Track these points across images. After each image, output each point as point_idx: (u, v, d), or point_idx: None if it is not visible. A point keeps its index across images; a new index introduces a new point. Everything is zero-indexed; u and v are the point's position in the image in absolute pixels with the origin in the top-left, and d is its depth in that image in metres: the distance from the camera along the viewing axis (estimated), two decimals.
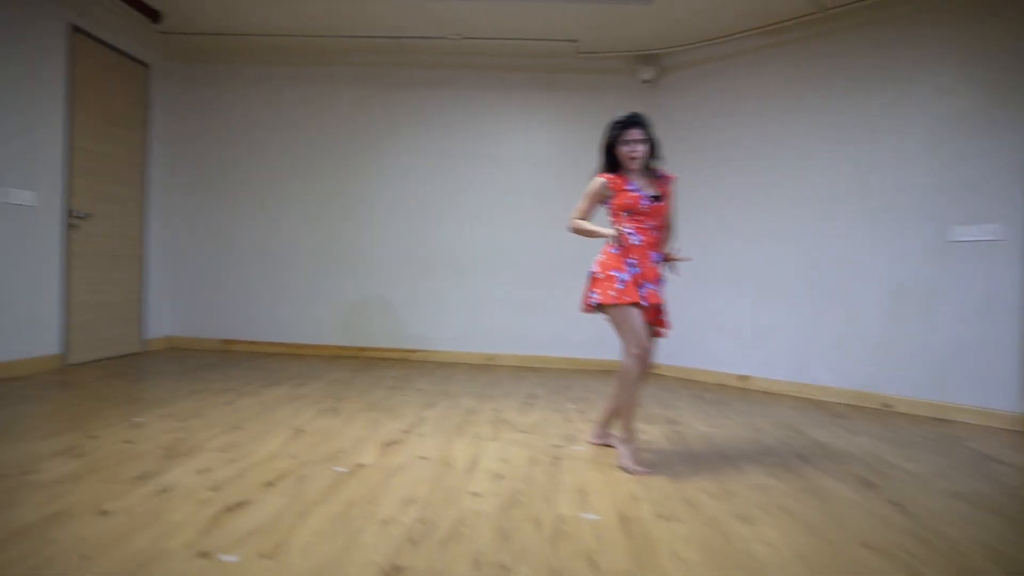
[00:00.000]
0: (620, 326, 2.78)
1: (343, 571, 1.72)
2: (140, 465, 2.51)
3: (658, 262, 2.86)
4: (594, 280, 2.85)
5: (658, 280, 2.84)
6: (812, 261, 4.70)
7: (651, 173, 2.90)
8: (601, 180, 2.90)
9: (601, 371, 5.51)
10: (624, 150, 2.83)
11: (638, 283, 2.78)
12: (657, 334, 2.90)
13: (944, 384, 4.10)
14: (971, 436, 3.61)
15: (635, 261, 2.80)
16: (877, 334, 4.38)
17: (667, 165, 5.00)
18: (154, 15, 4.93)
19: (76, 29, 4.72)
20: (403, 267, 5.83)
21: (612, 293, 2.76)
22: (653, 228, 2.84)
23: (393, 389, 4.34)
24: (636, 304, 2.75)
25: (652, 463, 2.81)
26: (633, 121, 2.83)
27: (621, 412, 2.83)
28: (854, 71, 4.51)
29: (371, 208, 5.86)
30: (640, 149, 2.81)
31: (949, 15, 4.13)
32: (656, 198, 2.82)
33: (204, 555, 1.78)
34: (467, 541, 1.95)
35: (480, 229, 5.78)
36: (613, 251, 2.83)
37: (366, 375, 4.87)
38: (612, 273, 2.79)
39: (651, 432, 3.41)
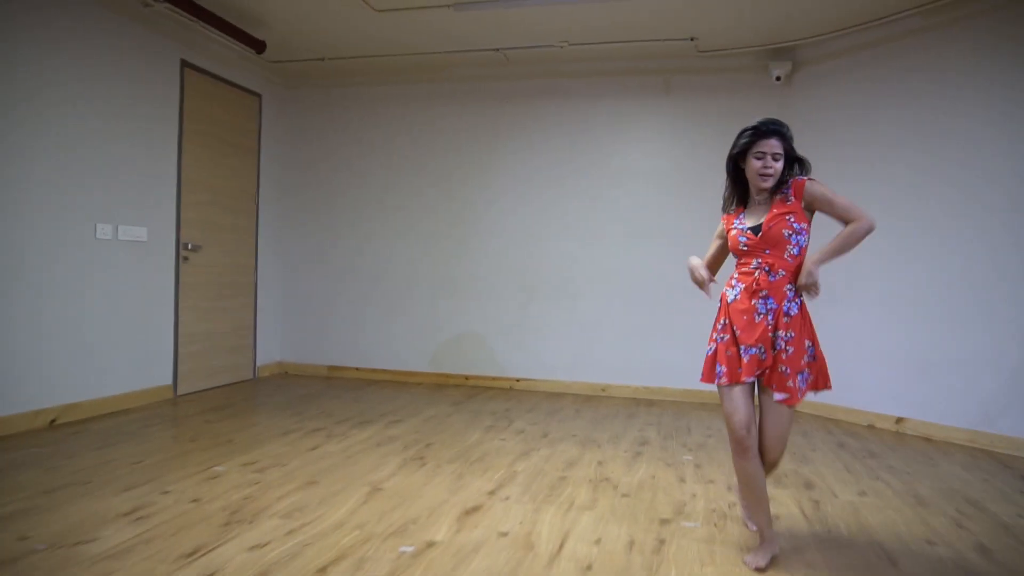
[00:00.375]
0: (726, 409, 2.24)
1: None
2: (197, 536, 2.31)
3: (776, 308, 2.18)
4: (717, 350, 2.31)
5: (773, 337, 2.16)
6: (991, 278, 3.88)
7: (778, 192, 2.24)
8: (721, 225, 2.44)
9: (705, 406, 4.90)
10: (756, 165, 2.19)
11: (729, 350, 2.22)
12: (787, 402, 2.15)
13: None
14: None
15: (727, 322, 2.25)
16: (976, 355, 3.52)
17: (827, 178, 4.34)
18: (260, 46, 4.93)
19: (186, 64, 4.80)
20: (510, 291, 5.51)
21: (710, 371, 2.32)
22: (762, 268, 2.20)
23: (490, 429, 4.02)
24: (732, 380, 2.19)
25: (776, 557, 2.27)
26: (770, 128, 2.18)
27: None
28: None
29: (477, 230, 5.60)
30: (775, 166, 2.18)
31: None
32: (755, 229, 2.21)
33: None
34: None
35: (592, 249, 5.35)
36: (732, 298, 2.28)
37: (466, 410, 4.58)
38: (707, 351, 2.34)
39: (781, 500, 2.84)
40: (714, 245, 2.49)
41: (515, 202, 5.51)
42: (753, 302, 2.19)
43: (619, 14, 4.41)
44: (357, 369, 5.82)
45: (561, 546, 2.31)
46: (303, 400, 4.76)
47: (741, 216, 2.31)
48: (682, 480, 3.11)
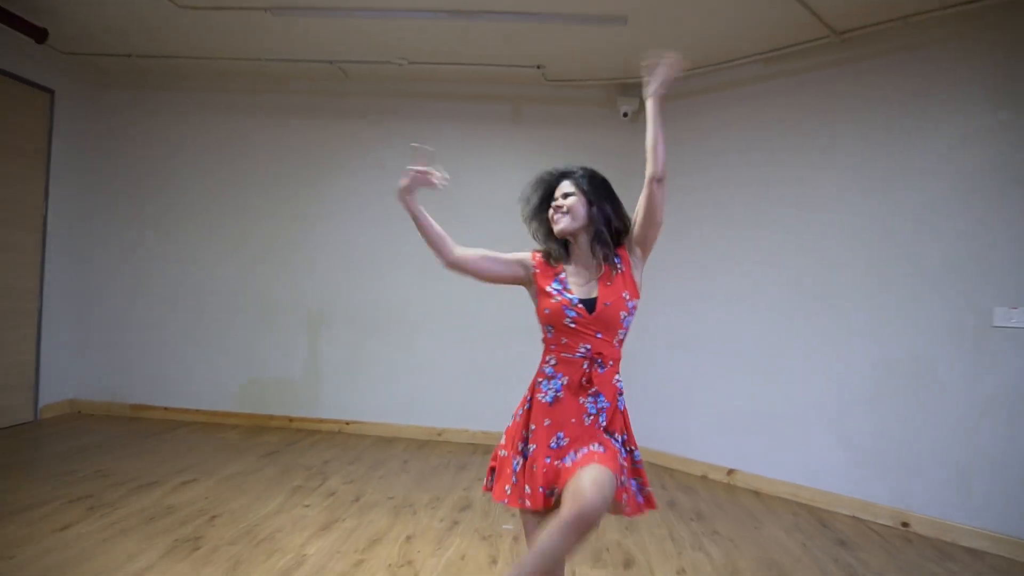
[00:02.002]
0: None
1: None
2: None
3: (608, 407, 1.81)
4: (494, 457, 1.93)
5: (599, 437, 1.78)
6: (818, 336, 3.89)
7: (604, 256, 1.86)
8: (529, 255, 1.99)
9: None
10: (549, 214, 1.93)
11: (537, 461, 1.78)
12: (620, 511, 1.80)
13: (977, 505, 3.28)
14: None
15: (548, 422, 1.81)
16: (897, 432, 3.56)
17: (671, 217, 4.15)
18: (40, 34, 4.21)
19: None
20: (342, 324, 5.05)
21: (506, 490, 1.82)
22: (591, 359, 1.80)
23: (297, 491, 3.55)
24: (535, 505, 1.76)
25: None
26: (556, 175, 1.96)
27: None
28: (871, 109, 3.73)
29: (306, 257, 5.10)
30: (566, 203, 1.88)
31: (977, 47, 3.35)
32: (589, 304, 1.80)
33: None
34: None
35: (432, 282, 4.99)
36: (516, 416, 1.92)
37: (278, 463, 4.08)
38: (500, 454, 1.91)
39: None
40: (491, 256, 2.07)
41: (352, 229, 5.07)
42: (581, 401, 1.79)
43: (461, 34, 4.11)
44: (165, 409, 5.13)
45: None
46: (83, 452, 4.07)
47: (563, 276, 1.89)
48: (493, 562, 2.80)
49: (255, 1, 3.71)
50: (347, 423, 5.01)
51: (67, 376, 5.10)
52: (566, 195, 1.88)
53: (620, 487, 1.72)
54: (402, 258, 5.00)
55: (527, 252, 1.99)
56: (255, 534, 2.95)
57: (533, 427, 1.82)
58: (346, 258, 5.07)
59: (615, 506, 1.72)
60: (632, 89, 4.77)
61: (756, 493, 4.00)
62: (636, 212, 1.90)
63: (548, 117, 4.99)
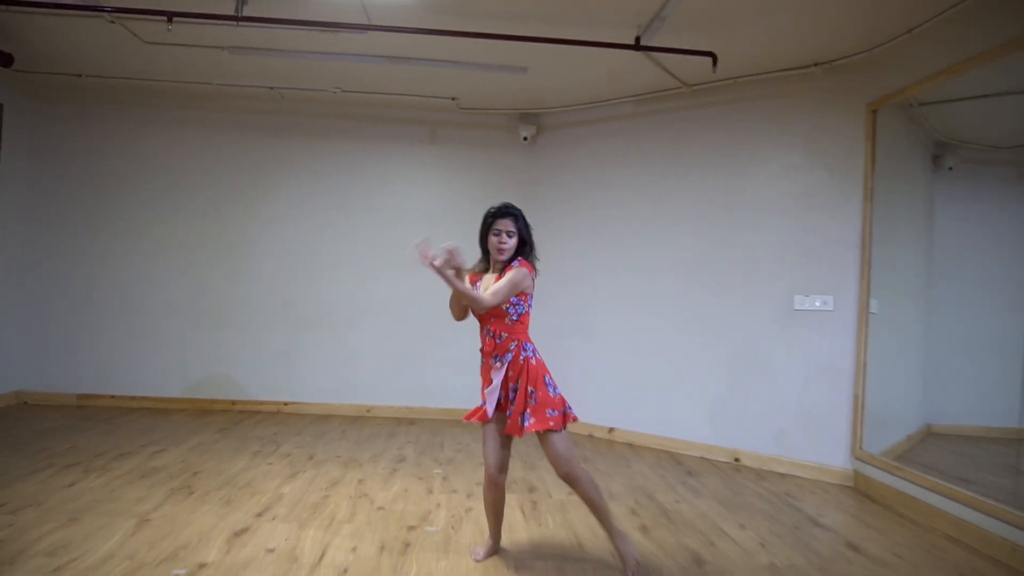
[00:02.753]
0: None
1: None
2: None
3: (500, 366, 2.70)
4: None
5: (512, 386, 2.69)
6: (676, 322, 4.98)
7: (507, 268, 2.68)
8: (466, 277, 2.77)
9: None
10: (493, 240, 2.68)
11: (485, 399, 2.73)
12: (510, 431, 2.69)
13: (785, 441, 4.44)
14: (804, 495, 3.92)
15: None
16: (729, 393, 4.69)
17: (545, 224, 5.18)
18: (6, 59, 4.66)
19: None
20: (278, 318, 5.72)
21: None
22: (490, 334, 2.71)
23: (257, 455, 4.25)
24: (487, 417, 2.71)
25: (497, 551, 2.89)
26: (503, 211, 2.69)
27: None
28: (714, 145, 4.84)
29: (245, 258, 5.73)
30: (509, 243, 2.66)
31: (794, 100, 4.51)
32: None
33: None
34: None
35: (360, 280, 5.76)
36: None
37: (233, 436, 4.73)
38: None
39: (508, 502, 3.51)
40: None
41: (286, 233, 5.74)
42: (490, 361, 2.72)
43: (388, 72, 4.90)
44: (112, 397, 5.62)
45: (322, 556, 2.72)
46: (49, 434, 4.56)
47: (478, 283, 2.77)
48: (430, 492, 3.66)
49: (217, 41, 4.37)
50: (285, 404, 5.69)
51: (13, 369, 5.48)
52: (509, 234, 2.68)
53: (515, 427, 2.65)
54: (333, 260, 5.74)
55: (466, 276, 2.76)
56: (235, 482, 3.66)
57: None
58: (282, 260, 5.73)
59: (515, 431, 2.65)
60: (530, 118, 5.73)
61: (630, 445, 5.05)
62: (501, 282, 2.64)
63: (460, 139, 5.86)
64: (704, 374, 4.81)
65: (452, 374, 5.67)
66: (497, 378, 2.70)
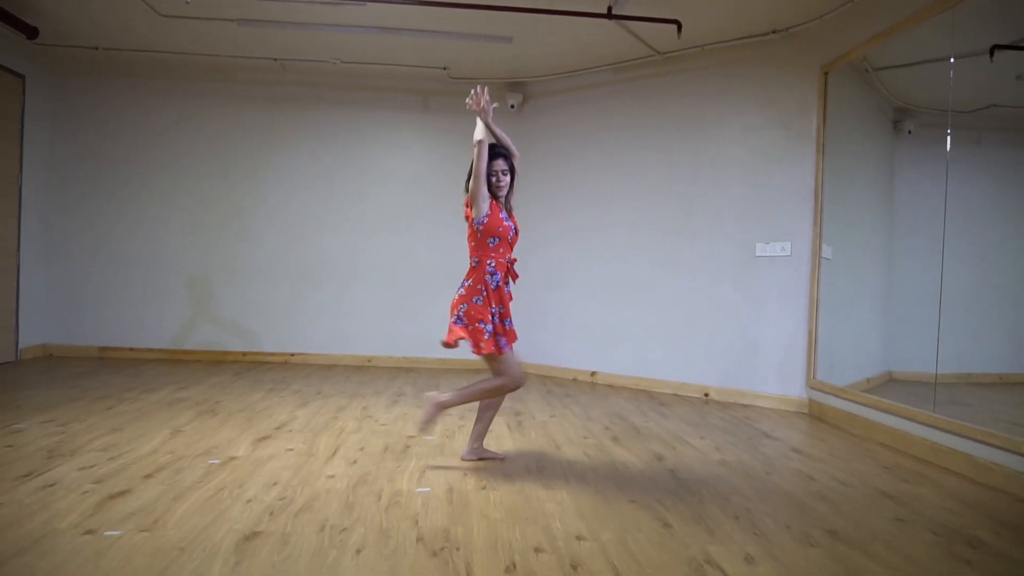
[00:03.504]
0: (496, 368, 2.98)
1: (209, 538, 2.14)
2: (25, 465, 2.80)
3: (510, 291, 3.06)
4: (465, 327, 2.93)
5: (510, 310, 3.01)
6: (650, 272, 5.42)
7: (508, 207, 3.10)
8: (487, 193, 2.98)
9: (472, 370, 6.05)
10: (491, 180, 3.00)
11: (503, 323, 2.97)
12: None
13: (748, 376, 4.91)
14: (762, 419, 4.39)
15: (498, 310, 2.95)
16: (698, 335, 5.14)
17: (532, 187, 5.63)
18: (32, 32, 5.03)
19: None
20: (283, 275, 6.15)
21: (482, 346, 2.89)
22: (508, 261, 3.04)
23: (271, 391, 4.70)
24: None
25: (488, 450, 3.35)
26: (500, 152, 3.02)
27: (465, 397, 3.03)
28: (684, 108, 5.27)
29: (252, 219, 6.14)
30: (505, 180, 3.03)
31: (754, 65, 4.93)
32: (515, 230, 3.09)
33: (90, 532, 2.15)
34: (317, 511, 2.41)
35: (357, 239, 6.19)
36: (476, 301, 2.93)
37: (247, 378, 5.18)
38: (479, 325, 2.89)
39: (496, 422, 3.97)
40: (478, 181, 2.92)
41: (289, 197, 6.16)
42: (503, 286, 3.02)
43: (384, 43, 5.30)
44: (131, 349, 6.05)
45: (334, 453, 3.18)
46: (79, 376, 5.00)
47: (503, 213, 3.04)
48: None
49: (228, 14, 4.76)
50: (292, 355, 6.14)
51: (39, 323, 5.91)
52: (504, 172, 3.06)
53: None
54: (334, 221, 6.16)
55: (485, 197, 3.01)
56: (254, 408, 4.11)
57: (496, 307, 3.00)
58: (286, 222, 6.15)
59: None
60: (517, 87, 6.13)
61: (611, 386, 5.51)
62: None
63: (451, 107, 6.26)
64: (675, 318, 5.26)
65: (444, 326, 6.10)
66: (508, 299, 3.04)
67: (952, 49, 4.54)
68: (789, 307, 4.75)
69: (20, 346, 5.67)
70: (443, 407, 3.04)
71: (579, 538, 2.25)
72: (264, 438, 3.40)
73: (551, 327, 5.97)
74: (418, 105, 6.26)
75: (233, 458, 3.03)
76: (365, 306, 6.19)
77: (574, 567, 2.02)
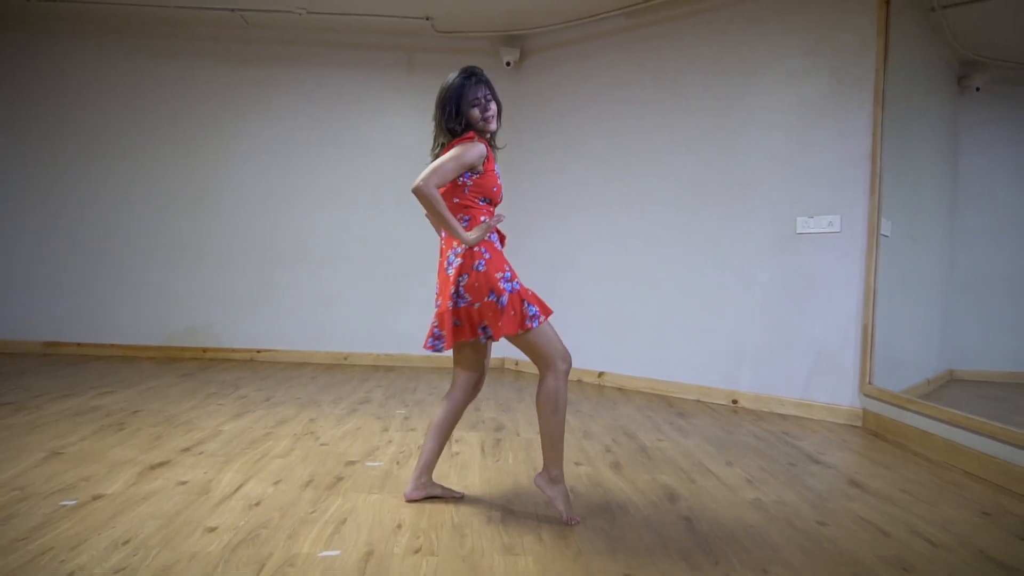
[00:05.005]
0: (547, 343, 2.23)
1: None
2: None
3: None
4: (521, 293, 2.19)
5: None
6: (669, 254, 4.56)
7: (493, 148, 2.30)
8: (481, 147, 2.18)
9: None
10: (475, 112, 2.20)
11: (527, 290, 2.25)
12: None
13: (788, 381, 4.04)
14: (806, 435, 3.53)
15: (510, 270, 2.23)
16: (727, 329, 4.28)
17: (532, 155, 4.80)
18: None
19: None
20: (251, 260, 5.40)
21: (501, 325, 2.14)
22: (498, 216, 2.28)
23: (212, 396, 3.96)
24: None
25: (439, 485, 2.54)
26: (483, 77, 2.23)
27: (554, 443, 2.23)
28: (712, 56, 4.39)
29: (215, 196, 5.40)
30: (492, 108, 2.22)
31: (797, 1, 4.03)
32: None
33: None
34: None
35: (335, 218, 5.42)
36: (479, 266, 2.16)
37: (194, 380, 4.45)
38: (489, 299, 2.15)
39: (468, 441, 3.16)
40: (454, 172, 2.16)
41: (256, 169, 5.40)
42: (502, 249, 2.30)
43: None
44: (79, 344, 5.36)
45: (238, 489, 2.39)
46: (2, 376, 4.31)
47: (496, 164, 2.29)
48: (385, 430, 3.32)
49: None
50: (259, 351, 5.39)
51: None
52: (488, 98, 2.21)
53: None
54: (308, 198, 5.39)
55: (479, 143, 2.19)
56: (174, 420, 3.36)
57: (508, 268, 2.22)
58: (253, 197, 5.39)
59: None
60: (514, 40, 5.29)
61: (620, 389, 4.68)
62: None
63: (439, 66, 5.40)
64: (699, 310, 4.40)
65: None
66: None
67: None
68: (838, 296, 3.86)
69: None
70: (558, 480, 2.23)
71: None
72: (160, 464, 2.64)
73: (552, 318, 5.13)
74: (402, 64, 5.44)
75: (98, 496, 2.27)
76: (343, 296, 5.42)
77: None
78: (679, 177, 4.51)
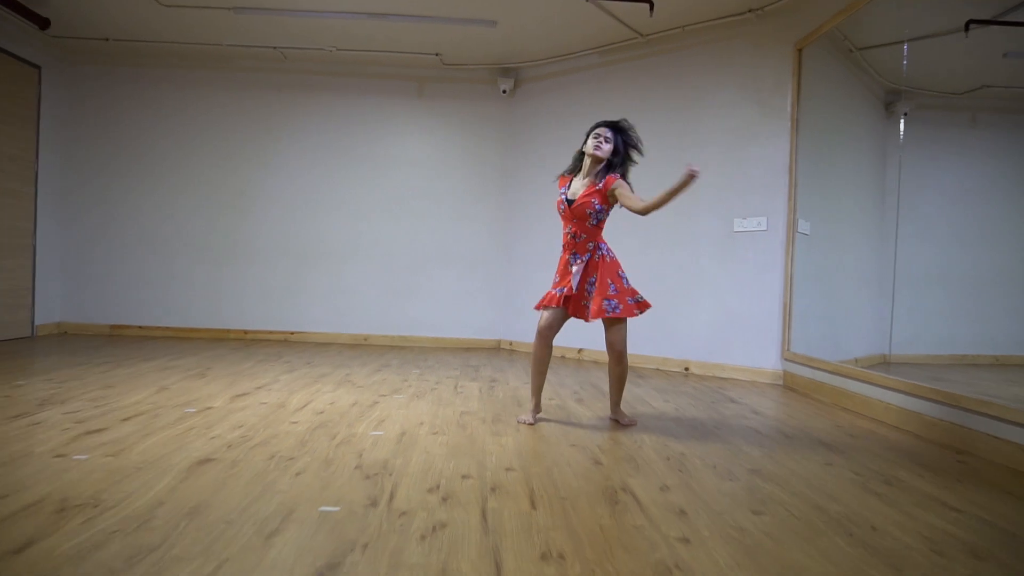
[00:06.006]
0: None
1: (166, 461, 2.34)
2: (17, 409, 3.04)
3: (579, 263, 3.12)
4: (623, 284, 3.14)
5: (586, 280, 3.13)
6: (632, 249, 5.52)
7: (598, 177, 3.07)
8: (557, 183, 3.24)
9: (462, 348, 6.22)
10: (590, 143, 3.06)
11: (555, 290, 3.17)
12: (598, 315, 3.08)
13: (727, 350, 5.00)
14: (735, 389, 4.49)
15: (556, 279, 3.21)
16: (679, 310, 5.25)
17: (521, 169, 5.79)
18: (44, 23, 5.33)
19: None
20: (283, 256, 6.39)
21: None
22: (571, 233, 3.10)
23: (262, 362, 4.93)
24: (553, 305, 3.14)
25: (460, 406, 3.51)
26: (605, 123, 3.10)
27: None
28: (668, 89, 5.38)
29: (253, 202, 6.39)
30: (604, 147, 3.03)
31: (731, 45, 5.03)
32: (570, 202, 3.07)
33: (61, 455, 2.37)
34: (271, 446, 2.60)
35: (357, 221, 6.40)
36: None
37: (243, 352, 5.42)
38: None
39: (469, 387, 4.13)
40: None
41: (289, 180, 6.40)
42: (567, 256, 3.18)
43: (378, 29, 5.50)
44: (140, 327, 6.34)
45: (305, 405, 3.37)
46: (88, 348, 5.28)
47: (569, 184, 3.16)
48: (404, 380, 4.30)
49: (224, 2, 5.00)
50: (291, 333, 6.37)
51: (55, 303, 6.23)
52: (607, 139, 3.09)
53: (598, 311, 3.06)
54: (332, 204, 6.39)
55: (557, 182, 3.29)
56: (241, 373, 4.33)
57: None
58: (286, 204, 6.39)
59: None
60: (508, 72, 6.29)
61: (596, 362, 5.64)
62: (624, 196, 3.04)
63: (445, 93, 6.45)
64: (656, 294, 5.37)
65: (440, 307, 6.30)
66: (576, 271, 3.14)
67: (940, 25, 4.60)
68: (766, 281, 4.84)
69: (36, 323, 5.98)
70: (620, 412, 3.27)
71: (508, 469, 2.41)
72: (243, 394, 3.61)
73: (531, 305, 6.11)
74: (413, 91, 6.45)
75: (209, 408, 3.24)
76: (362, 286, 6.40)
77: (493, 489, 2.18)
78: (643, 187, 5.47)
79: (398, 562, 1.60)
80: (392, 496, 2.07)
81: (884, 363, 5.61)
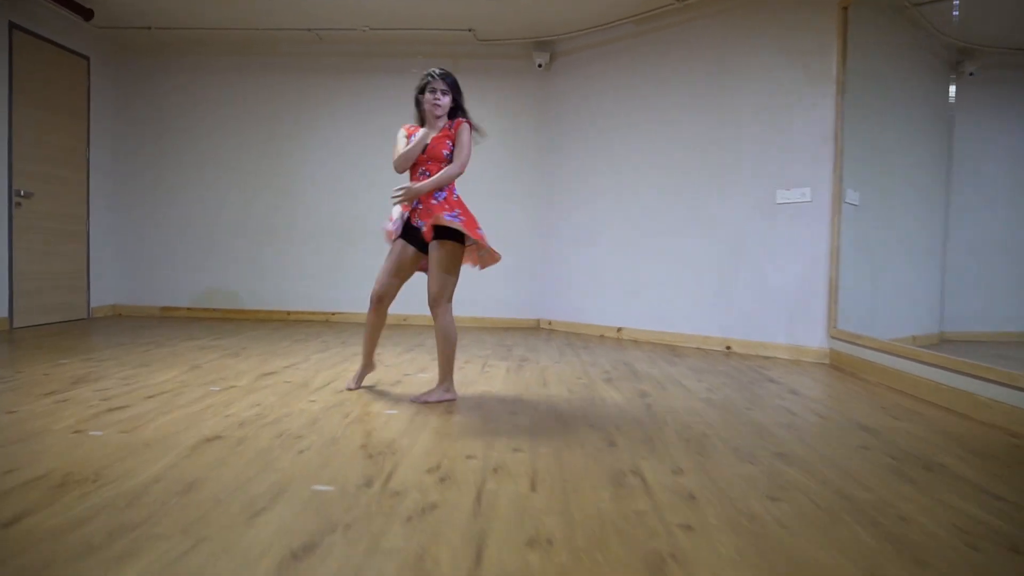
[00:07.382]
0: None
1: (175, 438, 2.36)
2: (51, 387, 3.13)
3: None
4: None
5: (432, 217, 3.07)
6: (673, 226, 5.35)
7: (447, 123, 3.16)
8: (401, 130, 3.25)
9: (500, 328, 6.17)
10: (428, 98, 3.12)
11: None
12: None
13: (770, 327, 4.79)
14: (777, 368, 4.29)
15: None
16: (721, 286, 5.05)
17: (559, 141, 5.66)
18: (88, 14, 5.47)
19: (15, 26, 5.25)
20: (326, 238, 6.45)
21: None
22: (425, 173, 3.14)
23: (299, 341, 4.98)
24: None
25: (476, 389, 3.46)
26: (440, 74, 3.14)
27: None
28: (706, 56, 5.14)
29: (294, 184, 6.46)
30: (443, 100, 3.11)
31: (769, 7, 4.75)
32: (425, 148, 3.11)
33: (78, 432, 2.41)
34: (282, 425, 2.59)
35: (389, 202, 6.38)
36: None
37: (283, 332, 5.50)
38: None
39: (496, 365, 4.07)
40: (394, 149, 3.23)
41: (328, 161, 6.43)
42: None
43: (410, 7, 5.44)
44: (189, 309, 6.52)
45: (327, 384, 3.37)
46: (136, 329, 5.45)
47: (413, 136, 3.18)
48: (434, 359, 4.26)
49: None
50: (332, 314, 6.44)
51: (110, 286, 6.45)
52: (443, 92, 3.14)
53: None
54: (372, 185, 6.39)
55: (401, 129, 3.29)
56: (275, 352, 4.38)
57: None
58: (327, 185, 6.43)
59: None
60: (544, 45, 6.14)
61: (635, 341, 5.50)
62: (456, 147, 3.12)
63: (480, 69, 6.34)
64: (698, 271, 5.19)
65: (478, 285, 6.25)
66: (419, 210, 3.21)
67: None
68: (810, 255, 4.59)
69: (92, 305, 6.21)
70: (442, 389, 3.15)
71: (516, 450, 2.33)
72: (270, 373, 3.64)
73: (578, 283, 6.00)
74: (448, 69, 6.34)
75: (233, 386, 3.27)
76: None
77: (495, 470, 2.11)
78: (683, 160, 5.28)
79: (375, 546, 1.55)
80: (390, 476, 2.02)
81: (942, 341, 5.28)
